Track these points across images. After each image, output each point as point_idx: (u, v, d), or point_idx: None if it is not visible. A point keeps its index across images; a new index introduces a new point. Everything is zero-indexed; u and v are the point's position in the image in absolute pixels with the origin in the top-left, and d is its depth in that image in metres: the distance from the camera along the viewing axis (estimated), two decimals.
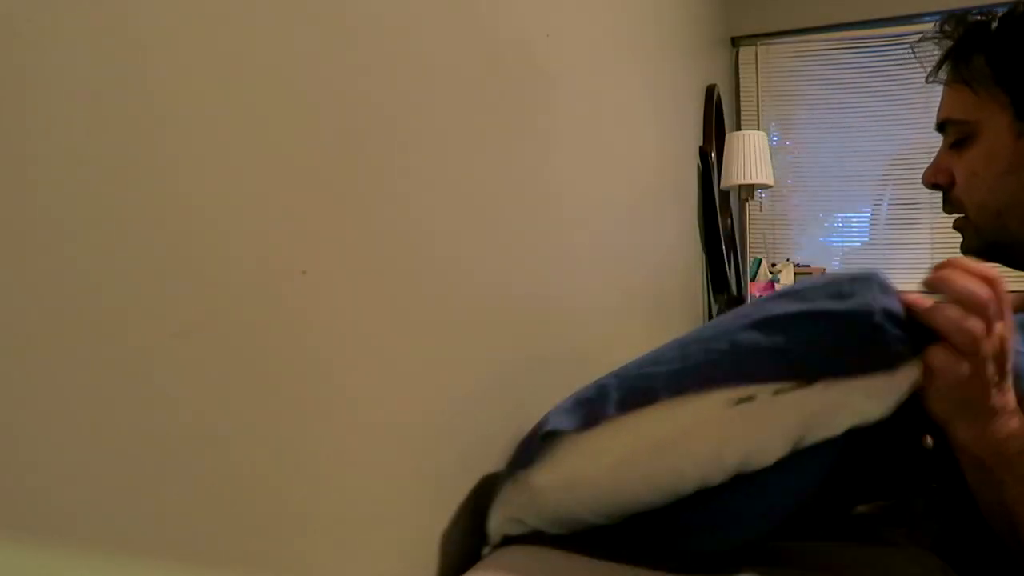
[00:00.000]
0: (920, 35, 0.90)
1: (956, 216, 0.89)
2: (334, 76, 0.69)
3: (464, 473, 0.90)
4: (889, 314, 0.64)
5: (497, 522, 0.81)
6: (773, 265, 2.87)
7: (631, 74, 1.71)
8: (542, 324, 1.15)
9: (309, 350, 0.64)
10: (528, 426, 1.09)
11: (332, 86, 0.69)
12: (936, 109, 0.91)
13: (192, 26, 0.54)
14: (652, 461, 0.71)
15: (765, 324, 0.69)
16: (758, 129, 3.35)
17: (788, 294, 0.74)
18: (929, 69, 0.89)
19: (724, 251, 2.69)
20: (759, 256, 2.90)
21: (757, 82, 3.43)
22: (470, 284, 0.93)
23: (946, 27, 0.87)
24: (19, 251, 0.42)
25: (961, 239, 0.89)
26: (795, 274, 2.93)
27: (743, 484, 0.70)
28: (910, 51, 0.91)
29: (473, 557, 0.90)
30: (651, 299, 1.86)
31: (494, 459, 0.97)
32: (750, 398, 0.66)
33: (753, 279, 2.79)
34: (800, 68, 3.39)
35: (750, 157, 2.60)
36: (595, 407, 0.74)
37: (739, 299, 2.81)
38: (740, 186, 2.66)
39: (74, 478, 0.45)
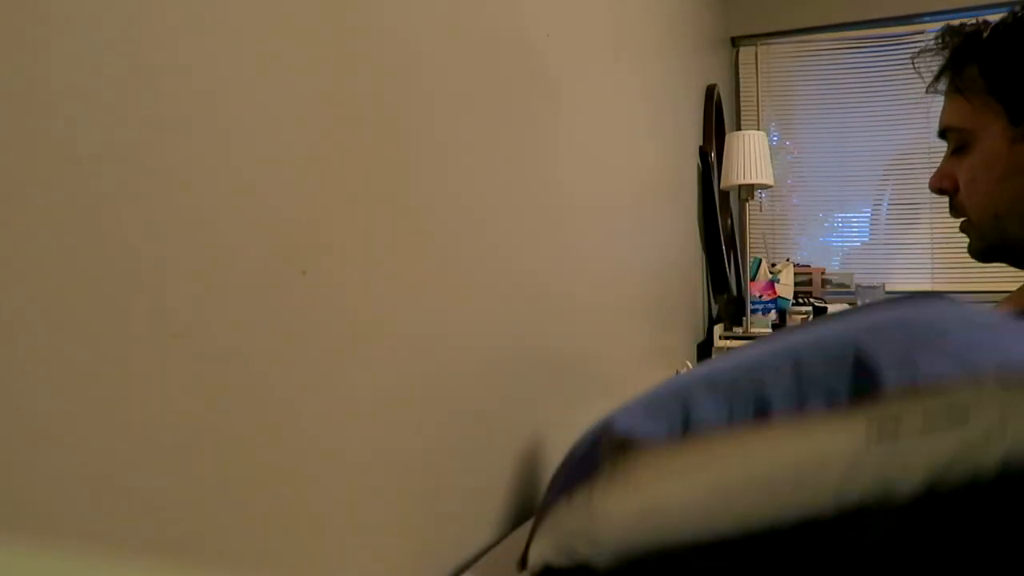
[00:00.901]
0: (920, 47, 0.94)
1: (961, 220, 0.93)
2: (339, 78, 0.69)
3: (465, 473, 0.90)
4: None
5: (541, 548, 0.68)
6: (773, 265, 2.87)
7: (631, 75, 1.71)
8: (543, 324, 1.15)
9: (309, 350, 0.64)
10: (530, 423, 1.09)
11: (336, 87, 0.68)
12: (937, 110, 0.96)
13: (194, 25, 0.54)
14: (759, 487, 0.60)
15: (909, 329, 0.60)
16: (758, 129, 3.35)
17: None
18: (928, 80, 0.93)
19: (724, 251, 2.69)
20: (759, 256, 2.90)
21: (757, 82, 3.43)
22: (471, 285, 0.93)
23: (944, 38, 0.91)
24: (20, 251, 0.42)
25: (968, 241, 0.94)
26: (795, 274, 2.93)
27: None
28: (911, 64, 0.94)
29: (472, 556, 0.90)
30: (651, 298, 1.86)
31: (496, 459, 0.97)
32: (894, 421, 0.57)
33: (753, 279, 2.79)
34: (800, 68, 3.39)
35: (750, 157, 2.60)
36: (685, 416, 0.62)
37: (739, 299, 2.81)
38: (740, 186, 2.66)
39: (74, 478, 0.45)
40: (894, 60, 3.23)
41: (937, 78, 0.92)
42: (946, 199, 0.95)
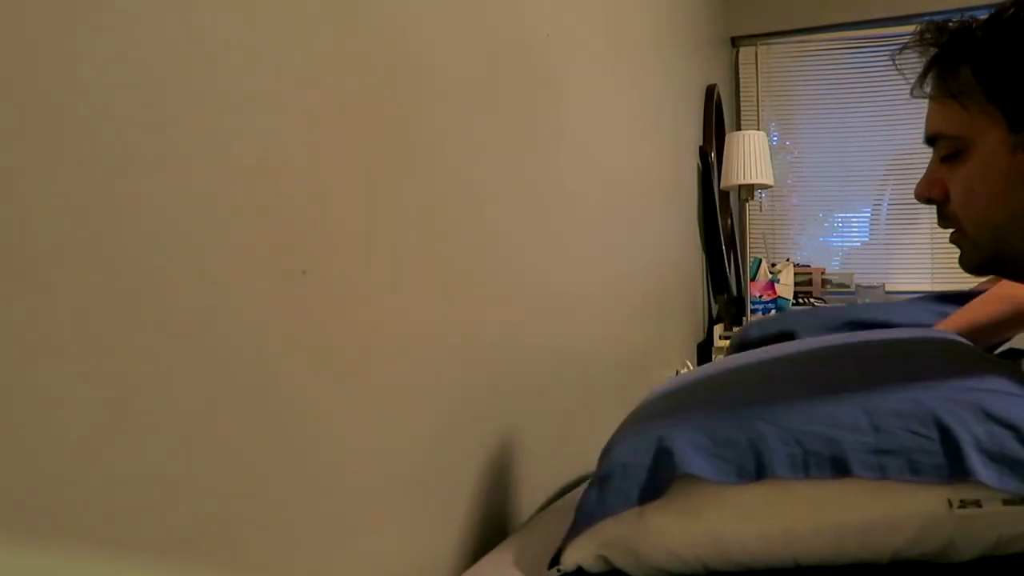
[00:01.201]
0: (900, 46, 0.84)
1: (952, 231, 0.85)
2: (340, 78, 0.69)
3: (465, 473, 0.90)
4: None
5: (581, 553, 0.69)
6: (773, 265, 2.87)
7: (631, 75, 1.71)
8: (544, 324, 1.15)
9: (309, 350, 0.64)
10: (530, 423, 1.09)
11: (337, 87, 0.68)
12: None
13: (195, 25, 0.54)
14: (824, 537, 0.63)
15: (989, 418, 0.61)
16: (758, 129, 3.35)
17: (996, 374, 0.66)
18: (911, 80, 0.84)
19: (724, 251, 2.69)
20: (759, 256, 2.90)
21: (757, 82, 3.43)
22: (471, 284, 0.93)
23: (927, 35, 0.81)
24: (20, 251, 0.42)
25: (959, 253, 0.86)
26: (795, 274, 2.93)
27: None
28: (892, 63, 0.85)
29: (472, 555, 0.90)
30: (652, 298, 1.86)
31: (496, 459, 0.97)
32: (976, 503, 0.59)
33: (753, 279, 2.79)
34: (800, 68, 3.39)
35: (750, 157, 2.60)
36: (757, 459, 0.64)
37: (739, 299, 2.81)
38: (740, 186, 2.66)
39: (74, 478, 0.45)
40: None
41: (922, 79, 0.83)
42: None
